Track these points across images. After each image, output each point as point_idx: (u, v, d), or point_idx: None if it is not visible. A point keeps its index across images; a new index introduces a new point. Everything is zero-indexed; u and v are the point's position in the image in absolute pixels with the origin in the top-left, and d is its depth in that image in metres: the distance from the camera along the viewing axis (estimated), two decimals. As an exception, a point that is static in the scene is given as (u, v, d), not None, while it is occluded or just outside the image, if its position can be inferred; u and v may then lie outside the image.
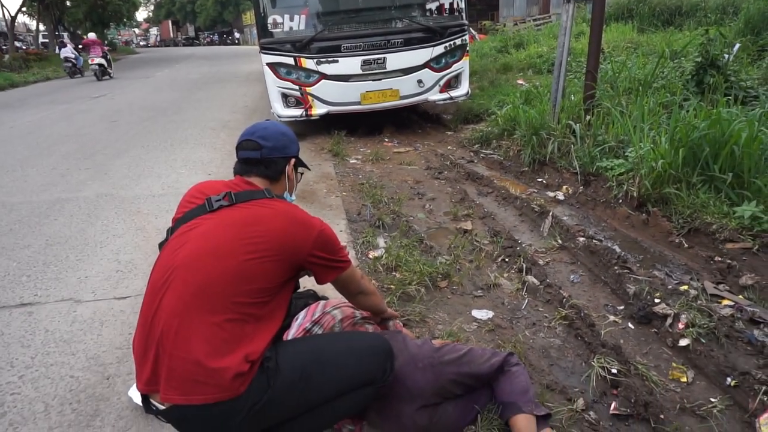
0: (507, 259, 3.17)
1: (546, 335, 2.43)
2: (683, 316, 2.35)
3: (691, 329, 2.27)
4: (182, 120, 8.50)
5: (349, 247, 3.31)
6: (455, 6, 6.58)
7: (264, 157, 1.64)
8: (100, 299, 2.78)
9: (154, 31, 79.44)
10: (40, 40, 32.08)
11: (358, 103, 6.33)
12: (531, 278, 2.89)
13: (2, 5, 25.46)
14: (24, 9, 28.72)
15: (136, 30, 68.78)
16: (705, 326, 2.29)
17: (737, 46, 6.68)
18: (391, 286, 2.73)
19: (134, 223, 3.89)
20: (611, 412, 1.92)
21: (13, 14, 25.85)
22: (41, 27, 32.46)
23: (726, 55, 5.30)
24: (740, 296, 2.59)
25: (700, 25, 10.47)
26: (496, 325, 2.47)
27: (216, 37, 67.84)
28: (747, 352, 2.17)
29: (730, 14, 11.10)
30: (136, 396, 1.94)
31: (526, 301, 2.71)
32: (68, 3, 31.36)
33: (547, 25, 16.46)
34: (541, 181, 4.65)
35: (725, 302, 2.53)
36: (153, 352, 1.34)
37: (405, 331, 2.09)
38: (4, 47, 26.93)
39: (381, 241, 3.38)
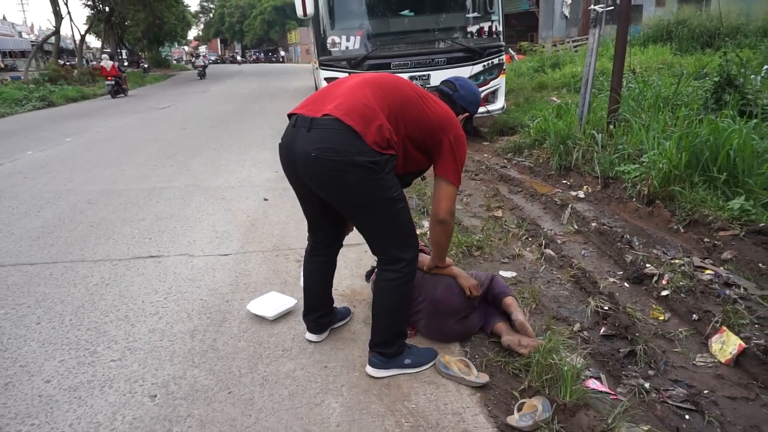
0: (530, 239, 3.84)
1: (557, 289, 3.08)
2: (667, 274, 2.97)
3: (671, 283, 2.88)
4: (244, 128, 9.54)
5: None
6: (493, 29, 7.33)
7: (453, 97, 2.16)
8: (209, 255, 3.58)
9: (203, 49, 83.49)
10: (102, 56, 34.73)
11: (404, 115, 7.08)
12: (549, 251, 3.55)
13: (73, 25, 27.83)
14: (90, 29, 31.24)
15: (186, 48, 72.30)
16: (685, 286, 2.89)
17: (766, 68, 7.30)
18: (435, 252, 3.43)
19: (221, 205, 4.73)
20: (601, 333, 2.57)
21: (82, 33, 28.14)
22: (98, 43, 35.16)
23: (754, 76, 5.83)
24: (721, 268, 3.17)
25: (739, 48, 10.84)
26: (518, 281, 3.15)
27: (261, 55, 70.84)
28: (715, 302, 2.77)
29: (771, 37, 11.36)
30: (252, 308, 2.70)
31: (543, 266, 3.37)
32: (128, 23, 33.95)
33: (585, 47, 16.99)
34: (566, 183, 5.28)
35: (707, 272, 3.13)
36: (327, 97, 1.90)
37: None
38: (68, 63, 29.23)
39: (425, 223, 4.09)
